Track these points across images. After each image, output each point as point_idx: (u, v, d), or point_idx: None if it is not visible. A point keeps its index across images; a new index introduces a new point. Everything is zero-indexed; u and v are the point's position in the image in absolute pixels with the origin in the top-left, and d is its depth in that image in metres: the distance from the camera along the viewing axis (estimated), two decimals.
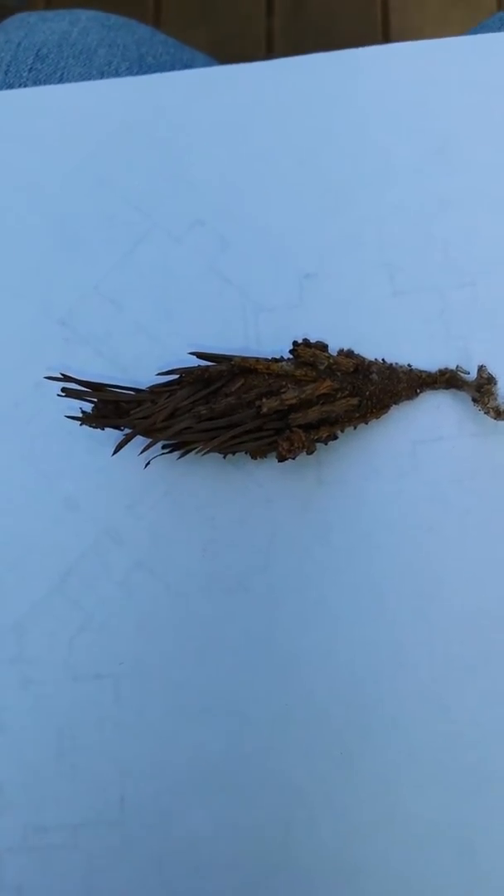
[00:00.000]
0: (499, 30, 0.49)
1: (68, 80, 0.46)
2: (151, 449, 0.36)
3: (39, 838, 0.37)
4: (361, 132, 0.40)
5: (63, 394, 0.36)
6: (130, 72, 0.48)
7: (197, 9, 1.16)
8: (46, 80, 0.46)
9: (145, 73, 0.48)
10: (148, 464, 0.38)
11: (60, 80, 0.46)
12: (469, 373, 0.38)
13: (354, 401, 0.36)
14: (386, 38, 1.14)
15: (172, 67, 0.50)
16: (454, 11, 1.13)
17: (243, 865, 0.36)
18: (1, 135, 0.41)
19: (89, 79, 0.46)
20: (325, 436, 0.36)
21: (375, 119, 0.40)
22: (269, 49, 1.16)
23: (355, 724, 0.37)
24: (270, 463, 0.38)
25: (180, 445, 0.36)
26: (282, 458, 0.35)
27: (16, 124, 0.41)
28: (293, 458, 0.35)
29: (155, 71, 0.49)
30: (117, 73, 0.47)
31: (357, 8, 1.14)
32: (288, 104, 0.41)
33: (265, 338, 0.39)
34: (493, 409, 0.37)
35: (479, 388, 0.37)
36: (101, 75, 0.47)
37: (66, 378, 0.36)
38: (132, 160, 0.41)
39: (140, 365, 0.39)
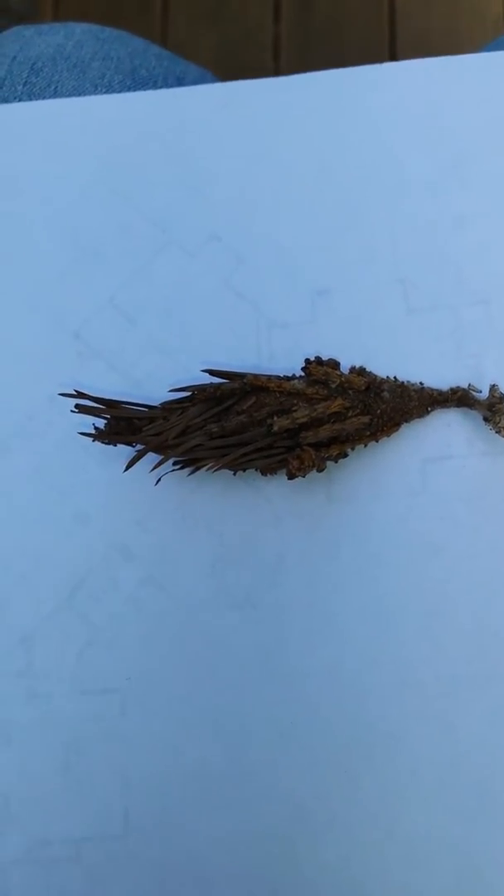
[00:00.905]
0: None
1: (62, 94, 0.46)
2: (162, 465, 0.36)
3: (43, 851, 0.37)
4: (376, 149, 0.40)
5: (77, 410, 0.36)
6: (123, 84, 0.48)
7: (204, 16, 1.16)
8: (40, 94, 0.46)
9: (138, 85, 0.48)
10: (159, 480, 0.38)
11: (54, 94, 0.46)
12: (481, 391, 0.38)
13: (365, 419, 0.36)
14: (392, 45, 1.14)
15: (165, 80, 0.50)
16: (461, 19, 1.13)
17: (246, 880, 0.37)
18: (18, 147, 0.41)
19: (83, 92, 0.46)
20: (335, 454, 0.36)
21: (390, 136, 0.40)
22: (275, 56, 1.16)
23: (359, 741, 0.37)
24: (280, 480, 0.38)
25: (191, 462, 0.36)
26: (291, 476, 0.35)
27: (33, 137, 0.41)
28: (303, 476, 0.36)
29: (148, 83, 0.49)
30: (110, 86, 0.47)
31: (364, 15, 1.14)
32: (304, 120, 0.41)
33: (278, 354, 0.39)
34: (503, 428, 0.37)
35: (490, 408, 0.37)
36: (95, 88, 0.47)
37: (80, 394, 0.36)
38: (149, 174, 0.41)
39: (153, 379, 0.39)
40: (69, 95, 0.46)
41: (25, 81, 0.46)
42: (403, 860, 0.36)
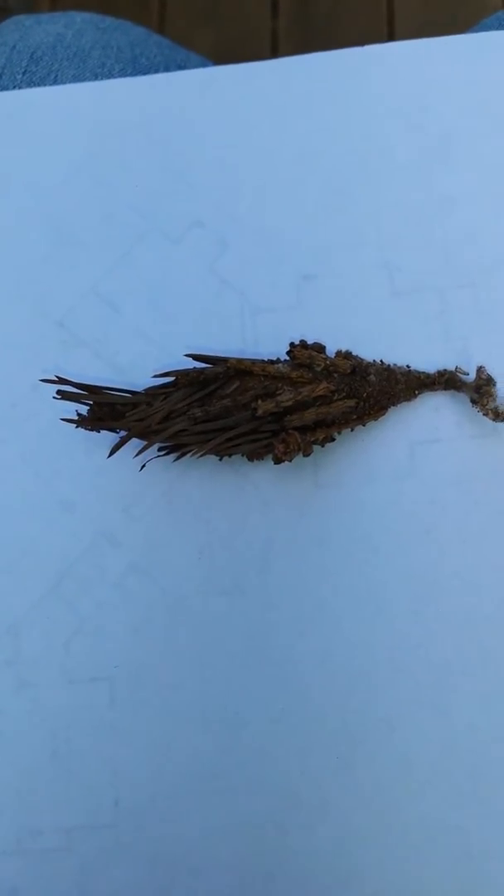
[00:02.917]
0: (499, 28, 0.48)
1: (62, 82, 0.46)
2: (147, 451, 0.36)
3: (34, 841, 0.37)
4: (361, 132, 0.40)
5: (59, 396, 0.36)
6: (124, 73, 0.48)
7: (201, 10, 1.16)
8: (40, 83, 0.46)
9: (139, 74, 0.48)
10: (143, 466, 0.37)
11: (54, 82, 0.46)
12: (468, 374, 0.38)
13: (351, 402, 0.36)
14: (392, 38, 1.14)
15: (167, 68, 0.50)
16: (460, 12, 1.13)
17: (238, 869, 0.36)
18: (0, 136, 0.41)
19: (83, 81, 0.46)
20: (321, 438, 0.36)
21: (375, 119, 0.40)
22: (273, 50, 1.16)
23: (351, 727, 0.37)
24: (267, 465, 0.38)
25: (176, 448, 0.36)
26: (278, 461, 0.35)
27: (13, 125, 0.41)
28: (289, 461, 0.35)
29: (149, 72, 0.49)
30: (111, 75, 0.47)
31: (362, 10, 1.14)
32: (287, 104, 0.40)
33: (263, 339, 0.39)
34: (491, 410, 0.37)
35: (477, 390, 0.37)
36: (95, 77, 0.47)
37: (62, 381, 0.36)
38: (131, 161, 0.41)
39: (138, 366, 0.39)
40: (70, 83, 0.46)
41: (25, 70, 0.46)
42: (398, 846, 0.36)
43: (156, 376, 0.37)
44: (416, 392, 0.38)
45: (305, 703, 0.37)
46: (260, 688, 0.37)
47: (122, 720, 0.37)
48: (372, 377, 0.37)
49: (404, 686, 0.37)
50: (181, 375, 0.36)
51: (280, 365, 0.36)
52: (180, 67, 0.51)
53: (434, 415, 0.38)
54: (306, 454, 0.36)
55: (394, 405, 0.38)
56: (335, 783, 0.36)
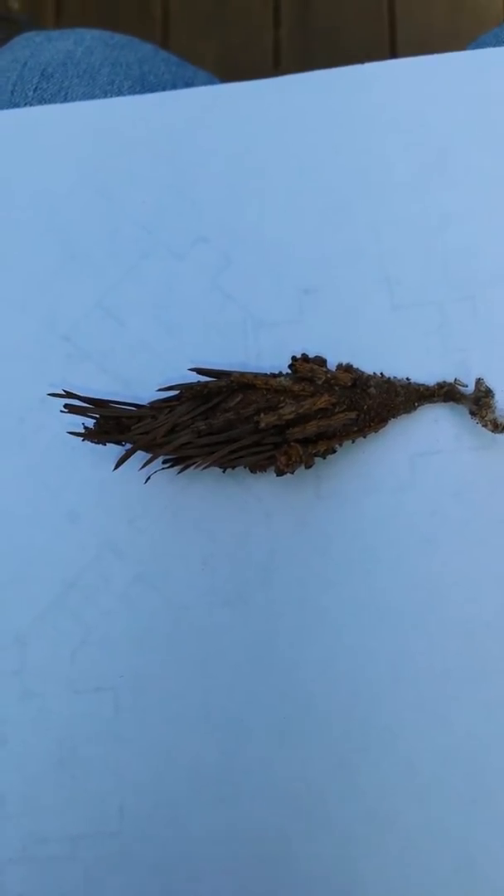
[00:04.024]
0: (497, 45, 0.49)
1: (72, 99, 0.47)
2: (152, 464, 0.37)
3: (40, 849, 0.37)
4: (362, 148, 0.41)
5: (66, 410, 0.36)
6: (133, 90, 0.48)
7: (204, 21, 1.17)
8: (51, 100, 0.46)
9: (147, 91, 0.49)
10: (148, 479, 0.38)
11: (65, 99, 0.47)
12: (467, 386, 0.38)
13: (352, 415, 0.36)
14: (393, 49, 1.14)
15: (174, 85, 0.50)
16: (461, 22, 1.14)
17: (242, 877, 0.37)
18: (7, 153, 0.42)
19: (92, 97, 0.47)
20: (323, 450, 0.36)
21: (375, 135, 0.41)
22: (276, 61, 1.17)
23: (354, 735, 0.37)
24: (269, 477, 0.38)
25: (180, 460, 0.37)
26: (280, 473, 0.36)
27: (22, 142, 0.42)
28: (291, 473, 0.36)
29: (157, 89, 0.49)
30: (120, 92, 0.48)
31: (364, 19, 1.15)
32: (289, 121, 0.41)
33: (265, 353, 0.39)
34: (490, 421, 0.37)
35: (477, 402, 0.37)
36: (105, 94, 0.47)
37: (68, 394, 0.36)
38: (136, 177, 0.41)
39: (142, 380, 0.39)
40: (80, 101, 0.47)
41: (36, 87, 0.47)
42: (400, 853, 0.36)
43: (160, 390, 0.37)
44: (416, 404, 0.38)
45: (308, 712, 0.37)
46: (263, 697, 0.38)
47: (127, 729, 0.38)
48: (372, 390, 0.37)
49: (406, 694, 0.37)
50: (185, 389, 0.36)
51: (282, 378, 0.37)
52: (187, 85, 0.51)
53: (434, 426, 0.39)
54: (308, 466, 0.36)
55: (394, 417, 0.38)
56: (337, 791, 0.37)
